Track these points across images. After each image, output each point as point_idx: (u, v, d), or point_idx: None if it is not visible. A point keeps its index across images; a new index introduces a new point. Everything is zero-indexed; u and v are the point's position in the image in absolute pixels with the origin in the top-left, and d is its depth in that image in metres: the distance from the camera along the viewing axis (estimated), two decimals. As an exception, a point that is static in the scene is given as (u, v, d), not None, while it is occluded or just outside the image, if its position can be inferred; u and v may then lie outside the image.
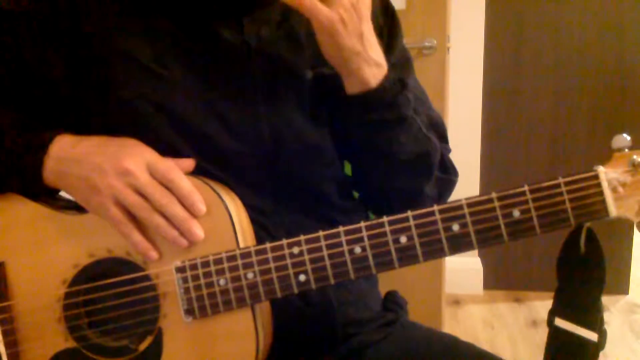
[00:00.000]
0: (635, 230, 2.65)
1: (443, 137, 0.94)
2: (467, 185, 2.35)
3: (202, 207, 0.72)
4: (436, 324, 2.18)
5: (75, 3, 0.81)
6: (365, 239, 0.70)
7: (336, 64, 0.80)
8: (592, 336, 0.71)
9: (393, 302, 0.99)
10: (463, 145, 2.46)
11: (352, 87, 0.81)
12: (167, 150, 0.77)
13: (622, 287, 2.68)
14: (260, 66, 0.82)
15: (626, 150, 0.67)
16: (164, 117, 0.80)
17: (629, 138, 0.68)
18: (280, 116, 0.83)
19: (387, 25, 0.93)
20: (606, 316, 2.60)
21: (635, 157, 0.66)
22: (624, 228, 2.61)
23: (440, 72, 2.11)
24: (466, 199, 0.69)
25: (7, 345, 0.79)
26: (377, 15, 0.91)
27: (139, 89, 0.80)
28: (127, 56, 0.80)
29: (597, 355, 0.71)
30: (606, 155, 0.68)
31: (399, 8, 2.03)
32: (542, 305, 2.62)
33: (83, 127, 0.80)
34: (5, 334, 0.79)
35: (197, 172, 0.76)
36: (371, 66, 0.79)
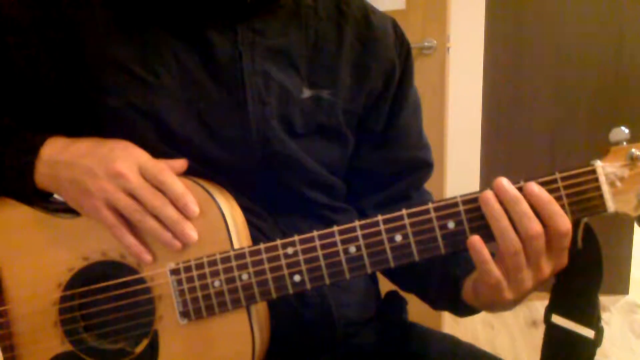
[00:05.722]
0: (635, 229, 2.64)
1: (429, 164, 0.96)
2: (467, 185, 2.35)
3: (195, 209, 0.71)
4: (436, 324, 2.17)
5: (66, 11, 0.80)
6: (360, 238, 0.70)
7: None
8: (589, 333, 0.70)
9: (393, 302, 0.99)
10: (463, 145, 2.47)
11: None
12: (155, 157, 0.75)
13: (622, 287, 2.67)
14: (251, 76, 0.81)
15: (624, 143, 0.66)
16: (151, 124, 0.79)
17: (627, 130, 0.66)
18: (269, 126, 0.81)
19: (401, 60, 0.91)
20: (606, 316, 2.57)
21: (633, 150, 0.65)
22: (623, 228, 2.60)
23: (440, 72, 2.11)
24: (461, 196, 0.68)
25: (4, 349, 0.78)
26: (390, 47, 0.89)
27: (127, 96, 0.79)
28: (116, 63, 0.79)
29: (594, 353, 0.70)
30: (604, 149, 0.67)
31: (399, 8, 2.04)
32: (542, 305, 2.58)
33: (74, 134, 0.79)
34: (1, 339, 0.79)
35: (189, 174, 0.76)
36: (504, 306, 0.75)
